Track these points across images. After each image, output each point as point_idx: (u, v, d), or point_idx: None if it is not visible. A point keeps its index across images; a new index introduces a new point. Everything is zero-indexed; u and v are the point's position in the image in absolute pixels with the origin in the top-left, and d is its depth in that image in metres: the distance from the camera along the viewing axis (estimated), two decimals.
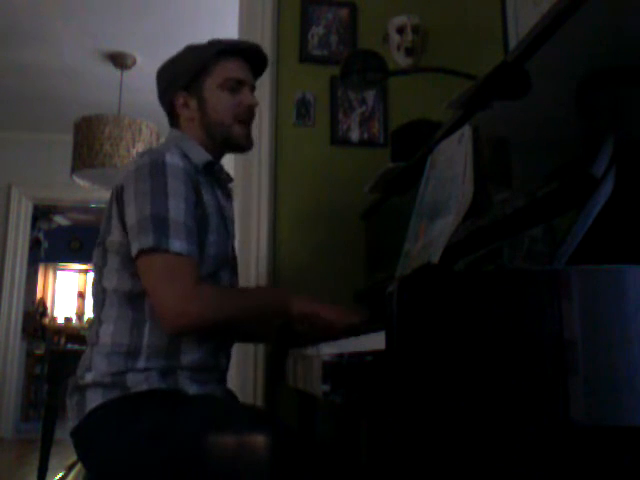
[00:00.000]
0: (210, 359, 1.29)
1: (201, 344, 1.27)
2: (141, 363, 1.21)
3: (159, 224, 1.18)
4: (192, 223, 1.22)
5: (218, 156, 1.43)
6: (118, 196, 1.25)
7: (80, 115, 3.61)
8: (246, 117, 1.40)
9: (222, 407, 1.22)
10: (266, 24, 2.10)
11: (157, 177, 1.21)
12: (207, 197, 1.31)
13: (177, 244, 1.18)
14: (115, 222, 1.25)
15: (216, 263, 1.31)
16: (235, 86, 1.38)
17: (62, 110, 4.59)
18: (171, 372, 1.22)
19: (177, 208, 1.20)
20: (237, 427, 1.11)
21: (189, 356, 1.25)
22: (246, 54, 1.43)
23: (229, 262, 1.39)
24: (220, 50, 1.39)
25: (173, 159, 1.24)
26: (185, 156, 1.32)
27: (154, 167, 1.22)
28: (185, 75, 1.38)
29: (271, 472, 1.06)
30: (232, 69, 1.39)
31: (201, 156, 1.36)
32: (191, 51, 1.42)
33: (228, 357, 1.39)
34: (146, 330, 1.23)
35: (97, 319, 1.27)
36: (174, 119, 1.43)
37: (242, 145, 1.42)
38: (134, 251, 1.19)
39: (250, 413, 1.31)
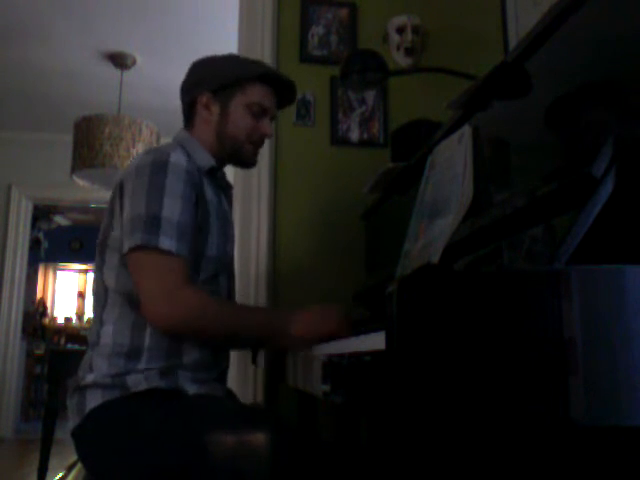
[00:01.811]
0: (210, 358, 1.29)
1: (202, 345, 1.27)
2: (142, 364, 1.21)
3: (150, 222, 1.18)
4: (186, 223, 1.22)
5: (221, 164, 1.43)
6: (120, 193, 1.26)
7: (80, 115, 3.61)
8: (258, 142, 1.42)
9: (222, 406, 1.22)
10: (266, 24, 2.10)
11: (156, 175, 1.21)
12: (210, 199, 1.31)
13: (167, 242, 1.17)
14: (116, 219, 1.25)
15: (216, 266, 1.31)
16: (259, 112, 1.40)
17: (62, 110, 4.59)
18: (171, 372, 1.22)
19: (171, 206, 1.20)
20: (237, 426, 1.11)
21: (190, 355, 1.25)
22: (279, 86, 1.44)
23: (227, 266, 1.39)
24: (262, 74, 1.40)
25: (177, 158, 1.25)
26: (189, 157, 1.32)
27: (155, 165, 1.22)
28: (219, 80, 1.38)
29: (272, 470, 1.06)
30: (263, 96, 1.40)
31: (205, 160, 1.36)
32: (234, 60, 1.43)
33: (228, 356, 1.39)
34: (147, 331, 1.23)
35: (98, 319, 1.27)
36: (189, 115, 1.43)
37: (248, 162, 1.44)
38: (125, 248, 1.20)
39: (250, 411, 1.31)
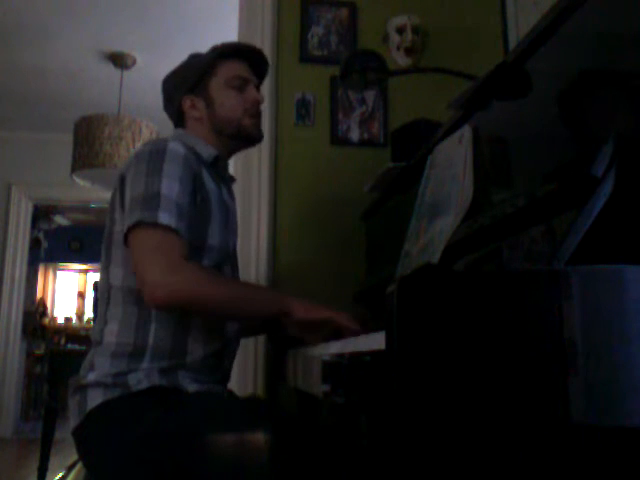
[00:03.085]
0: (214, 360, 1.29)
1: (206, 345, 1.27)
2: (145, 364, 1.20)
3: (148, 200, 1.18)
4: (185, 205, 1.21)
5: (225, 155, 1.43)
6: (120, 186, 1.26)
7: (80, 115, 3.61)
8: (253, 112, 1.42)
9: (222, 403, 1.22)
10: (266, 24, 2.10)
11: (154, 161, 1.22)
12: (211, 188, 1.31)
13: (166, 217, 1.17)
14: (117, 212, 1.26)
15: (219, 256, 1.31)
16: (240, 84, 1.40)
17: (62, 110, 4.59)
18: (173, 371, 1.22)
19: (169, 187, 1.20)
20: (237, 422, 1.11)
21: (194, 354, 1.25)
22: (248, 57, 1.45)
23: (230, 257, 1.39)
24: (222, 52, 1.40)
25: (175, 145, 1.25)
26: (190, 149, 1.32)
27: (153, 153, 1.24)
28: (190, 79, 1.40)
29: (272, 465, 1.06)
30: (235, 68, 1.41)
31: (208, 151, 1.37)
32: (194, 58, 1.44)
33: (232, 359, 1.39)
34: (152, 330, 1.22)
35: (102, 318, 1.27)
36: (181, 122, 1.43)
37: (253, 135, 1.43)
38: (125, 229, 1.19)
39: (249, 407, 1.31)
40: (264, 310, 1.26)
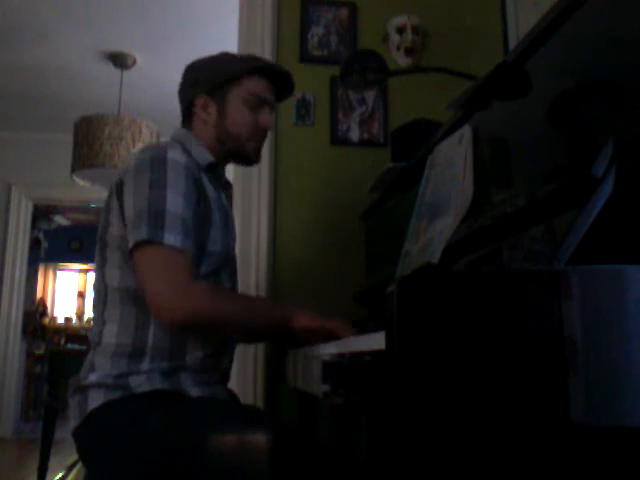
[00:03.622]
0: (213, 360, 1.29)
1: (205, 345, 1.26)
2: (145, 365, 1.20)
3: (155, 217, 1.17)
4: (190, 218, 1.22)
5: (221, 162, 1.43)
6: (118, 190, 1.25)
7: (80, 115, 3.61)
8: (260, 137, 1.42)
9: (223, 409, 1.22)
10: (266, 24, 2.10)
11: (157, 171, 1.21)
12: (211, 194, 1.31)
13: (172, 237, 1.17)
14: (115, 216, 1.25)
15: (218, 261, 1.31)
16: (257, 104, 1.39)
17: (62, 110, 4.59)
18: (174, 373, 1.22)
19: (175, 202, 1.19)
20: (238, 429, 1.11)
21: (193, 355, 1.25)
22: (275, 78, 1.44)
23: (230, 263, 1.39)
24: (256, 67, 1.40)
25: (175, 154, 1.24)
26: (188, 154, 1.32)
27: (155, 161, 1.22)
28: (213, 79, 1.38)
29: (272, 474, 1.06)
30: (260, 87, 1.40)
31: (203, 157, 1.36)
32: (227, 58, 1.43)
33: (231, 358, 1.39)
34: (151, 330, 1.22)
35: (100, 319, 1.27)
36: (188, 116, 1.42)
37: (251, 159, 1.44)
38: (130, 244, 1.19)
39: (251, 415, 1.31)
40: (268, 324, 1.30)
